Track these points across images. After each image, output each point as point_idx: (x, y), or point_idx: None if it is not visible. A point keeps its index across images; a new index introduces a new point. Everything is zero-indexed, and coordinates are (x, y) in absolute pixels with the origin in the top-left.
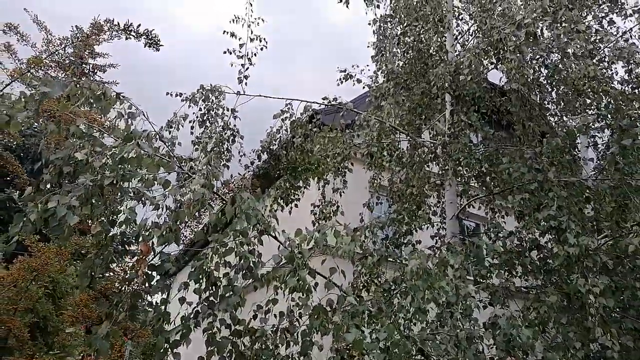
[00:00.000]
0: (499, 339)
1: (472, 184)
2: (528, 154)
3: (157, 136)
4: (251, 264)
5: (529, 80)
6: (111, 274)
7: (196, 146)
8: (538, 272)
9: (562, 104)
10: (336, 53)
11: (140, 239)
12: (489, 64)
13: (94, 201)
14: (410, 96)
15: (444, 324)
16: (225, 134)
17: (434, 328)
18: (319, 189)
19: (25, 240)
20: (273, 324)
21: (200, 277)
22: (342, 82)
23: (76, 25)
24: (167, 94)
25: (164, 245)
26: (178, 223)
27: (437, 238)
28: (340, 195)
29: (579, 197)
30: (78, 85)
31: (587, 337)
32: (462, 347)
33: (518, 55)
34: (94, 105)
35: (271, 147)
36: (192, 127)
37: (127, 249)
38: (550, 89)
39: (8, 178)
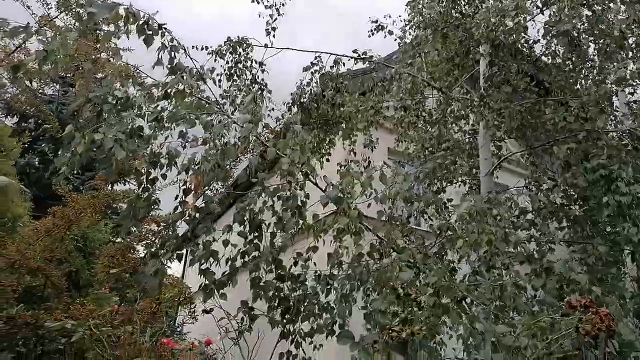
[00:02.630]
0: (550, 285)
1: (505, 142)
2: (574, 103)
3: (200, 74)
4: (299, 203)
5: (582, 19)
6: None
7: (224, 100)
8: (585, 224)
9: (602, 58)
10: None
11: (190, 172)
12: (535, 8)
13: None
14: (447, 44)
15: (483, 274)
16: (254, 87)
17: (473, 280)
18: (349, 146)
19: (58, 190)
20: (315, 270)
21: (245, 219)
22: (373, 34)
23: None
24: (193, 47)
25: (211, 184)
26: (225, 160)
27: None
28: (372, 150)
29: (631, 145)
30: (125, 8)
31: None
32: (508, 295)
33: None
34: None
35: (302, 100)
36: (219, 81)
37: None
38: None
39: (44, 135)
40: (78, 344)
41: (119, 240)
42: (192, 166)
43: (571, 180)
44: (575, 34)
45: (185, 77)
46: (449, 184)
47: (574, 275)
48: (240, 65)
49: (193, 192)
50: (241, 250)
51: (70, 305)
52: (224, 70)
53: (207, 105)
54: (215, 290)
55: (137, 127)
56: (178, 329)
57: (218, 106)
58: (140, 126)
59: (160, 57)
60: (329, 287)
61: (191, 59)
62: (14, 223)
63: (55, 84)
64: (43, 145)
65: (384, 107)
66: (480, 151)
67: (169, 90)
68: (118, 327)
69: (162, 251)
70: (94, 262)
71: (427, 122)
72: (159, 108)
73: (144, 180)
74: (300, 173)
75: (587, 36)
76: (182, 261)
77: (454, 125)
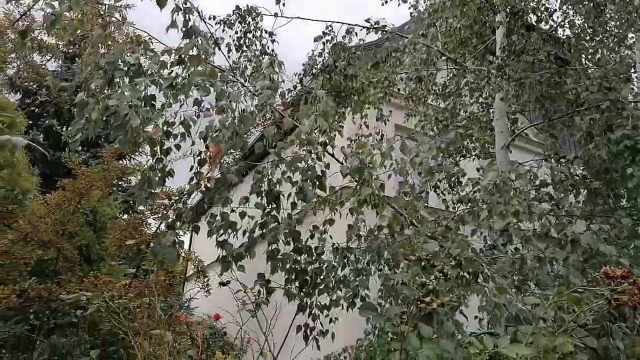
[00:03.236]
0: (574, 258)
1: (523, 114)
2: (597, 72)
3: (215, 39)
4: (319, 173)
5: None
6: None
7: (234, 71)
8: (606, 197)
9: (624, 28)
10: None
11: (208, 140)
12: None
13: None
14: (465, 11)
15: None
16: (263, 58)
17: (490, 254)
18: (360, 119)
19: (68, 163)
20: (333, 243)
21: (262, 190)
22: (386, 2)
23: None
24: (200, 17)
25: (229, 153)
26: (244, 128)
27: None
28: (385, 124)
29: None
30: None
31: None
32: (529, 267)
33: None
34: None
35: (313, 72)
36: (229, 51)
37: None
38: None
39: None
40: (92, 316)
41: (125, 217)
42: (210, 134)
43: (594, 151)
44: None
45: (200, 41)
46: (462, 158)
47: (602, 247)
48: (249, 36)
49: (210, 161)
50: (259, 222)
51: (83, 278)
52: (233, 41)
53: (221, 74)
54: (234, 262)
55: (149, 95)
56: (186, 304)
57: (232, 74)
58: (153, 95)
59: (174, 19)
60: (346, 260)
61: (205, 22)
62: (22, 197)
63: (58, 60)
64: (47, 122)
65: (397, 80)
66: (495, 124)
67: (182, 56)
68: (134, 300)
69: (178, 223)
70: (104, 237)
71: (440, 95)
72: (172, 74)
73: (158, 150)
74: (317, 143)
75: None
76: (190, 234)
77: (467, 98)
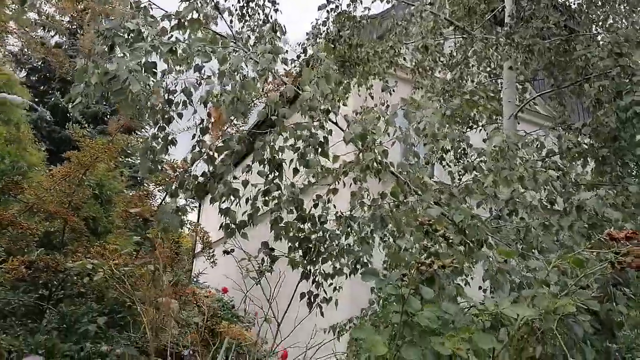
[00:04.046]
0: (579, 225)
1: (532, 83)
2: (608, 38)
3: (215, 4)
4: (322, 139)
5: None
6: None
7: (236, 41)
8: (614, 165)
9: None
10: None
11: (210, 105)
12: None
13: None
14: None
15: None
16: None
17: (496, 223)
18: (366, 90)
19: (73, 135)
20: (336, 211)
21: (265, 157)
22: None
23: None
24: None
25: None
26: (245, 94)
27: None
28: (391, 94)
29: None
30: None
31: None
32: (534, 235)
33: None
34: None
35: (317, 41)
36: (231, 21)
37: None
38: None
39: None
40: (99, 286)
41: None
42: (211, 99)
43: (602, 119)
44: None
45: (200, 3)
46: (469, 129)
47: (607, 211)
48: (252, 5)
49: (212, 128)
50: (261, 190)
51: (90, 249)
52: (236, 10)
53: (222, 40)
54: (237, 230)
55: (151, 62)
56: (195, 280)
57: (234, 41)
58: (154, 62)
59: None
60: (349, 228)
61: None
62: (28, 169)
63: (62, 36)
64: (54, 98)
65: (403, 50)
66: (503, 93)
67: (182, 20)
68: (138, 268)
69: (180, 191)
70: (111, 210)
71: (447, 65)
72: (173, 39)
73: (160, 118)
74: (320, 111)
75: None
76: (198, 209)
77: (475, 67)
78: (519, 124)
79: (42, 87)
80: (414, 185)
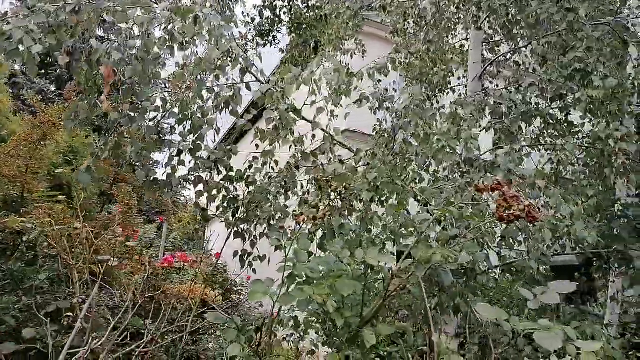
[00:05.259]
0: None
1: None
2: None
3: None
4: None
5: None
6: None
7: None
8: (558, 123)
9: None
10: None
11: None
12: None
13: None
14: None
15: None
16: None
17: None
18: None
19: (27, 100)
20: (267, 173)
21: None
22: None
23: None
24: None
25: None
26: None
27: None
28: (363, 57)
29: (614, 39)
30: None
31: (605, 186)
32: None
33: None
34: None
35: (273, 3)
36: None
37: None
38: None
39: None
40: (41, 244)
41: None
42: (104, 58)
43: (547, 76)
44: None
45: None
46: (440, 93)
47: (521, 169)
48: None
49: (104, 85)
50: (188, 149)
51: (43, 210)
52: None
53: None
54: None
55: (60, 20)
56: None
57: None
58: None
59: None
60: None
61: None
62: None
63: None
64: (57, 71)
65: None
66: (469, 54)
67: None
68: (71, 224)
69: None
70: None
71: (419, 25)
72: None
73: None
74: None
75: None
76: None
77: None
78: (491, 84)
79: (47, 60)
80: (329, 144)
